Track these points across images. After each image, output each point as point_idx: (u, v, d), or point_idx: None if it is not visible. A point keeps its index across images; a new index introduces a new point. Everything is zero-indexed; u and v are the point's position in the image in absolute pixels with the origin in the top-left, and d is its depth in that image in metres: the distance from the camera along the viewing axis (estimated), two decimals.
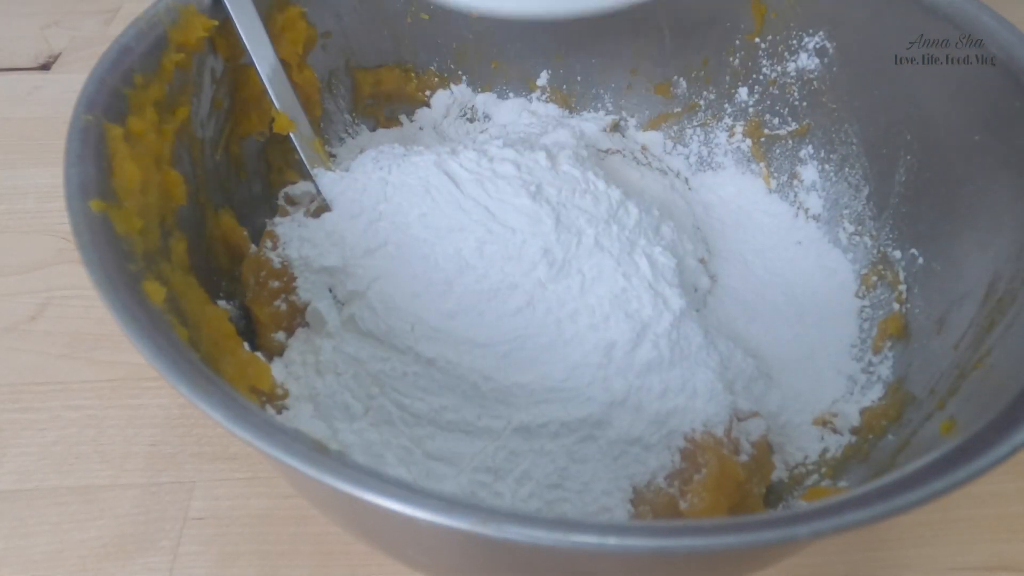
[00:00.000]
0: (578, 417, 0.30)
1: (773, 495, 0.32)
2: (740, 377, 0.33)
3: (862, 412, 0.33)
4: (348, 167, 0.37)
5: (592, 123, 0.45)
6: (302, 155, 0.37)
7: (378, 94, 0.44)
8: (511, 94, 0.47)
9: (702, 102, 0.45)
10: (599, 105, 0.47)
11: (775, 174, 0.43)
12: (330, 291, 0.34)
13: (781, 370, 0.36)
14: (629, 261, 0.34)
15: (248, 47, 0.34)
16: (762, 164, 0.44)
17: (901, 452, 0.29)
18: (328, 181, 0.36)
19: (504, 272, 0.32)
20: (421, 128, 0.45)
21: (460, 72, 0.46)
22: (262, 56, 0.35)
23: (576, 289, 0.32)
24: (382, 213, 0.34)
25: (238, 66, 0.35)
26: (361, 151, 0.39)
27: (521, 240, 0.33)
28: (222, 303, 0.32)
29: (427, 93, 0.45)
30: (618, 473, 0.29)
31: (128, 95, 0.28)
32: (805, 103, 0.41)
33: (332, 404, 0.30)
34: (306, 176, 0.38)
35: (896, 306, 0.36)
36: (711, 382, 0.31)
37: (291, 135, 0.36)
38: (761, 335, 0.37)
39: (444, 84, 0.46)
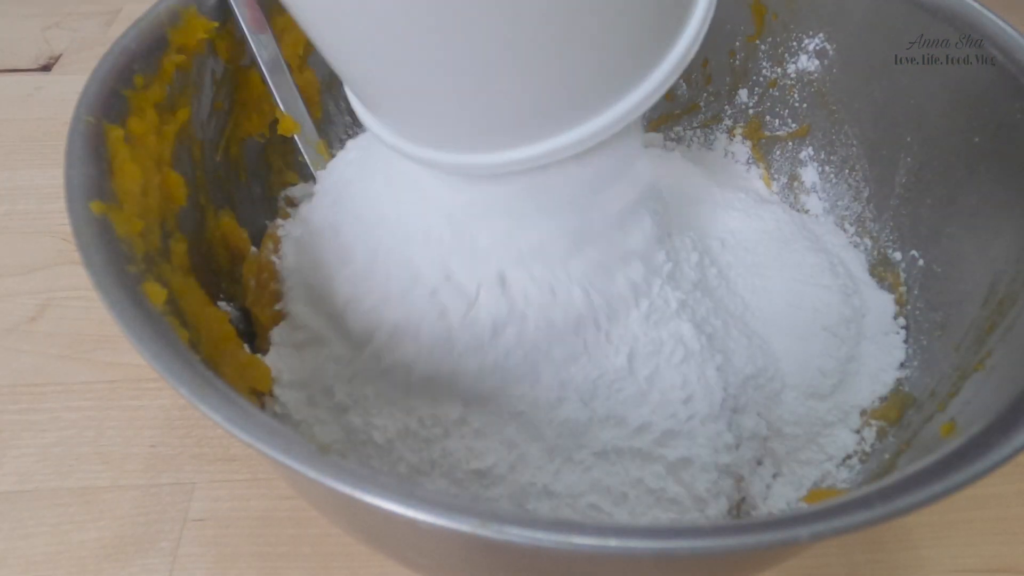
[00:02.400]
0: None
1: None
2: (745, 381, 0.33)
3: (862, 414, 0.33)
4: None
5: None
6: (307, 157, 0.37)
7: None
8: None
9: (702, 103, 0.45)
10: None
11: (775, 176, 0.43)
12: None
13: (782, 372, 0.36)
14: None
15: (255, 49, 0.34)
16: (762, 166, 0.44)
17: (902, 454, 0.29)
18: None
19: None
20: None
21: None
22: (266, 58, 0.35)
23: None
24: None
25: (238, 68, 0.35)
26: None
27: None
28: (222, 305, 0.32)
29: None
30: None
31: (129, 97, 0.28)
32: (805, 105, 0.41)
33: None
34: (308, 178, 0.38)
35: (897, 307, 0.36)
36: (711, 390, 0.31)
37: (295, 137, 0.37)
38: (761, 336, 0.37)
39: None
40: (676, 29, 0.24)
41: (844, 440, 0.33)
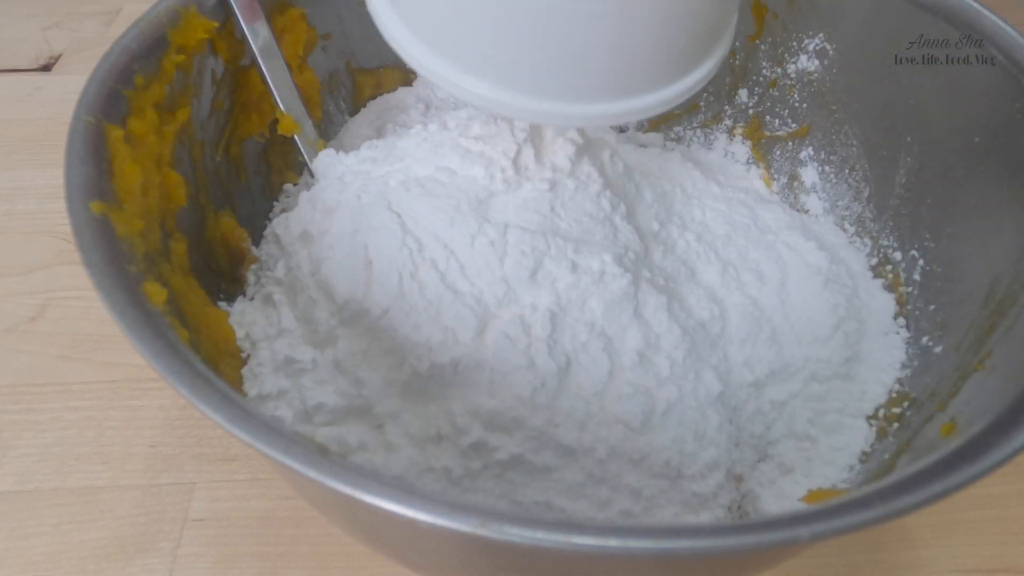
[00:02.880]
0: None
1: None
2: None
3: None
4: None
5: None
6: (307, 157, 0.37)
7: (379, 96, 0.44)
8: None
9: (702, 103, 0.45)
10: None
11: (775, 176, 0.43)
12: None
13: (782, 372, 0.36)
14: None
15: (255, 50, 0.34)
16: (762, 166, 0.44)
17: (902, 454, 0.29)
18: None
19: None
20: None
21: None
22: (260, 45, 0.35)
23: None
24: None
25: (238, 68, 0.35)
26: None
27: None
28: (222, 304, 0.32)
29: None
30: None
31: (129, 96, 0.28)
32: (805, 105, 0.41)
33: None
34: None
35: (897, 307, 0.36)
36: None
37: (295, 137, 0.37)
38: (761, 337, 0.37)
39: None
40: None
41: (844, 440, 0.33)
